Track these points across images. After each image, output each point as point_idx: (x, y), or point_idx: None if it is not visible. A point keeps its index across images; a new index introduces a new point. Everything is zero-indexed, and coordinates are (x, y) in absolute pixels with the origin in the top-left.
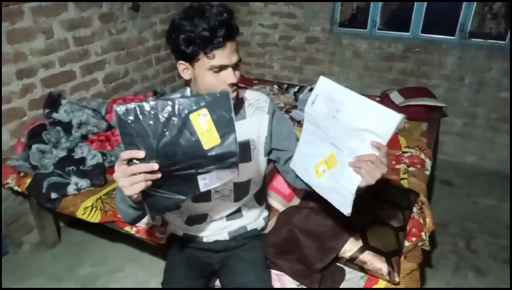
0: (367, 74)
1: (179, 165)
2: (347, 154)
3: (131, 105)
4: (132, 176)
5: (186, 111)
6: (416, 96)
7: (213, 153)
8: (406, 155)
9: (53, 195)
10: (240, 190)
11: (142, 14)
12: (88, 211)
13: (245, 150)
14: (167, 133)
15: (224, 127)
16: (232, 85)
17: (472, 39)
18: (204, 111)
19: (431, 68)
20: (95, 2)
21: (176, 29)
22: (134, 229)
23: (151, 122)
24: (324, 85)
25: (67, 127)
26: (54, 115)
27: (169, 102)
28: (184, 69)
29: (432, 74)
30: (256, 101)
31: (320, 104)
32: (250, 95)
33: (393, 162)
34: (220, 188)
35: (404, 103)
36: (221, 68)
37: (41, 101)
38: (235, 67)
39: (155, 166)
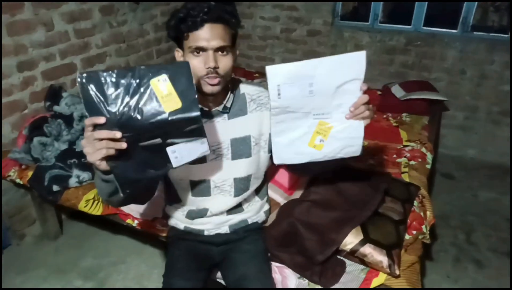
0: (369, 67)
1: (144, 134)
2: (338, 112)
3: (93, 73)
4: (95, 142)
5: (145, 79)
6: (418, 90)
7: (174, 117)
8: (407, 148)
9: (55, 188)
10: (240, 185)
11: (142, 6)
12: (90, 203)
13: (245, 146)
14: (127, 100)
15: (185, 92)
16: (211, 71)
17: (474, 32)
18: (164, 76)
19: (432, 61)
20: None
21: (171, 16)
22: (136, 221)
23: (112, 88)
24: (277, 74)
25: (68, 119)
26: (55, 108)
27: (130, 71)
28: (180, 57)
29: (433, 68)
30: (259, 97)
31: (288, 90)
32: (252, 91)
33: (394, 155)
34: (220, 183)
35: (405, 96)
36: (200, 50)
37: (42, 93)
38: (223, 54)
39: (117, 134)
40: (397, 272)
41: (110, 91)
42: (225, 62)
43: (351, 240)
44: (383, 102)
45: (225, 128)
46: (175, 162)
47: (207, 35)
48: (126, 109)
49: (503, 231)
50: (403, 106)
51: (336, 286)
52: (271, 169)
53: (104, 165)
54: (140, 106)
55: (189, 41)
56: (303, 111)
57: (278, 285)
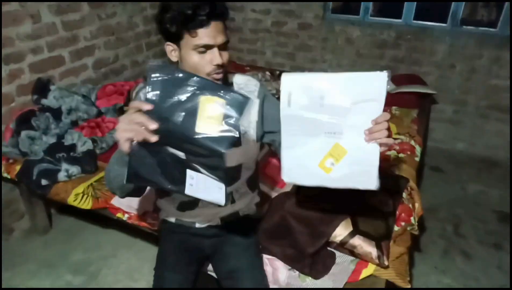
0: (359, 61)
1: (174, 141)
2: (352, 133)
3: (164, 64)
4: (131, 122)
5: (203, 92)
6: (407, 83)
7: (200, 137)
8: (396, 141)
9: (44, 182)
10: (230, 174)
11: None
12: (80, 197)
13: None
14: (177, 100)
15: (228, 126)
16: (218, 66)
17: (464, 27)
18: (221, 101)
19: (422, 55)
20: None
21: (163, 9)
22: (126, 215)
23: (170, 87)
24: (291, 82)
25: (56, 113)
26: (43, 101)
27: (197, 78)
28: (171, 51)
29: (423, 62)
30: (246, 85)
31: (298, 100)
32: (240, 80)
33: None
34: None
35: (395, 90)
36: (206, 47)
37: (29, 86)
38: (223, 48)
39: (153, 125)
40: (386, 263)
41: (169, 87)
42: (226, 56)
43: (341, 232)
44: None
45: None
46: (188, 189)
47: (213, 32)
48: (172, 108)
49: (490, 223)
50: (393, 99)
51: (326, 277)
52: (262, 162)
53: (126, 147)
54: (183, 112)
55: (195, 39)
56: (315, 127)
57: (269, 277)
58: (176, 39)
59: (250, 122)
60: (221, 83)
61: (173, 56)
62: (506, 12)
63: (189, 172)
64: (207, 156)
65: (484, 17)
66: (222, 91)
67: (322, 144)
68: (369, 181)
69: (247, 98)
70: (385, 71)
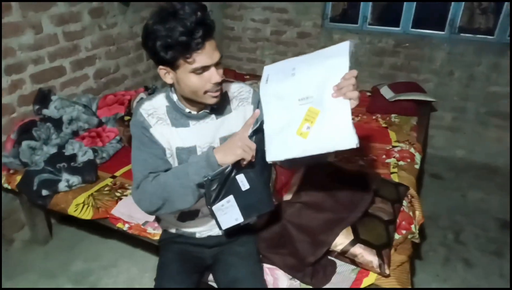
0: (358, 69)
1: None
2: (323, 93)
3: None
4: (246, 147)
5: None
6: (406, 91)
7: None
8: (396, 149)
9: (44, 192)
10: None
11: (132, 8)
12: (80, 207)
13: None
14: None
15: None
16: (217, 84)
17: (462, 34)
18: None
19: (421, 63)
20: None
21: (152, 35)
22: (127, 225)
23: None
24: (270, 67)
25: (57, 123)
26: (44, 111)
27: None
28: (165, 74)
29: (422, 69)
30: (240, 93)
31: (273, 78)
32: (233, 88)
33: (384, 156)
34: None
35: (394, 98)
36: (204, 69)
37: (30, 97)
38: (218, 64)
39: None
40: (387, 271)
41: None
42: (221, 72)
43: (341, 240)
44: (372, 103)
45: (214, 128)
46: (217, 206)
47: (209, 52)
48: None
49: (491, 231)
50: (392, 107)
51: (327, 286)
52: None
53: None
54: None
55: (192, 63)
56: (289, 96)
57: (270, 287)
58: (170, 64)
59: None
60: (219, 98)
61: (168, 78)
62: (503, 19)
63: (231, 198)
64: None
65: (482, 25)
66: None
67: (298, 112)
68: (347, 139)
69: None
70: (348, 41)
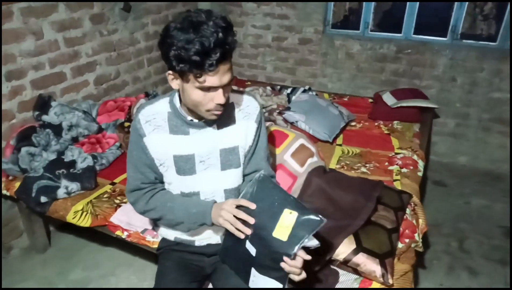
0: (360, 75)
1: (253, 237)
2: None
3: (271, 182)
4: (230, 214)
5: (287, 205)
6: (409, 98)
7: (273, 243)
8: (398, 156)
9: (43, 199)
10: (231, 196)
11: (133, 15)
12: (79, 215)
13: (234, 156)
14: (267, 206)
15: (296, 236)
16: (219, 105)
17: (464, 40)
18: (295, 214)
19: (423, 69)
20: (86, 2)
21: (168, 40)
22: (125, 233)
23: (270, 194)
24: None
25: (57, 129)
26: (44, 117)
27: (291, 197)
28: (172, 79)
29: (424, 75)
30: (247, 106)
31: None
32: (241, 101)
33: (386, 163)
34: (210, 196)
35: (396, 104)
36: (211, 88)
37: (30, 103)
38: (228, 84)
39: (251, 220)
40: (391, 281)
41: (268, 194)
42: (228, 90)
43: (344, 249)
44: (375, 110)
45: (215, 138)
46: (251, 283)
47: (220, 75)
48: (263, 209)
49: (495, 238)
50: (395, 113)
51: None
52: None
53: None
54: (267, 214)
55: (201, 81)
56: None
57: None
58: (180, 74)
59: (246, 143)
60: (219, 115)
61: (174, 84)
62: (505, 25)
63: (253, 271)
64: (272, 256)
65: (484, 31)
66: (301, 209)
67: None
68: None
69: (321, 220)
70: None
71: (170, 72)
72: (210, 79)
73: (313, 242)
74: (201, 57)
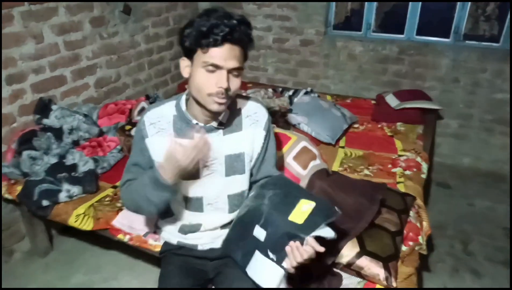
0: (362, 77)
1: (263, 218)
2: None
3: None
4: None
5: (301, 194)
6: (412, 99)
7: (288, 225)
8: (402, 158)
9: (45, 203)
10: (234, 201)
11: (133, 17)
12: (80, 218)
13: (239, 163)
14: (285, 193)
15: (312, 221)
16: (222, 90)
17: (466, 41)
18: (313, 203)
19: (425, 70)
20: (86, 5)
21: (187, 24)
22: (128, 236)
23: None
24: None
25: (58, 133)
26: (45, 121)
27: (308, 191)
28: (185, 66)
29: (427, 76)
30: (255, 113)
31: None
32: (249, 106)
33: (389, 165)
34: (213, 201)
35: (400, 106)
36: (215, 67)
37: (31, 106)
38: (235, 75)
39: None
40: (394, 284)
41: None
42: (235, 83)
43: (347, 252)
44: (377, 112)
45: (220, 144)
46: (249, 268)
47: (225, 55)
48: (279, 196)
49: (499, 240)
50: (398, 115)
51: None
52: None
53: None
54: (284, 201)
55: (205, 56)
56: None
57: None
58: (190, 54)
59: (253, 151)
60: (223, 109)
61: (186, 72)
62: (508, 26)
63: (256, 254)
64: (283, 237)
65: (486, 32)
66: (318, 199)
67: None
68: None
69: (337, 212)
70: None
71: (184, 58)
72: (215, 55)
73: (329, 233)
74: (208, 29)
